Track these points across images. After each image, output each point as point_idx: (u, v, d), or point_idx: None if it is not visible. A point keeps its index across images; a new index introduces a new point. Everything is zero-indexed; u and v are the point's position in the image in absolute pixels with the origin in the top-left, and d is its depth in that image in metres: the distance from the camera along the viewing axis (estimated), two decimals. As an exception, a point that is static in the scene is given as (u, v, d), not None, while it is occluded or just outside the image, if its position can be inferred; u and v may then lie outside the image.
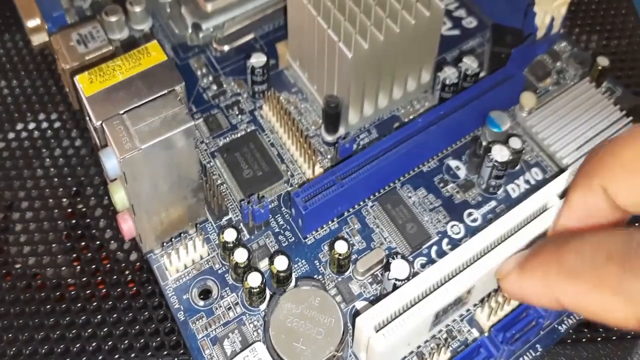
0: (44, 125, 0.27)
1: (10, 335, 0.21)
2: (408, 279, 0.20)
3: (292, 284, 0.22)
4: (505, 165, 0.23)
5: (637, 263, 0.14)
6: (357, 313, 0.21)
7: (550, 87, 0.27)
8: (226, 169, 0.25)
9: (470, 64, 0.26)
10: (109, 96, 0.20)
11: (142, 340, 0.22)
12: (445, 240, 0.23)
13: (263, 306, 0.22)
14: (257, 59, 0.26)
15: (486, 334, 0.20)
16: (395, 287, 0.20)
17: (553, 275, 0.16)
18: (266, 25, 0.29)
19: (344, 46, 0.23)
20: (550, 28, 0.27)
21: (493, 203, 0.24)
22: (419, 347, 0.21)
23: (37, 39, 0.27)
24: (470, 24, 0.30)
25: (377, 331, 0.19)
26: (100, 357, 0.22)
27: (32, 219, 0.24)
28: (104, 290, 0.22)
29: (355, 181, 0.23)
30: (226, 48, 0.29)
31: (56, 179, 0.26)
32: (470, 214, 0.24)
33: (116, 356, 0.22)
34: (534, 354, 0.20)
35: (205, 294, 0.22)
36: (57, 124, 0.27)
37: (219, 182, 0.25)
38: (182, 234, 0.23)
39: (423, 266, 0.22)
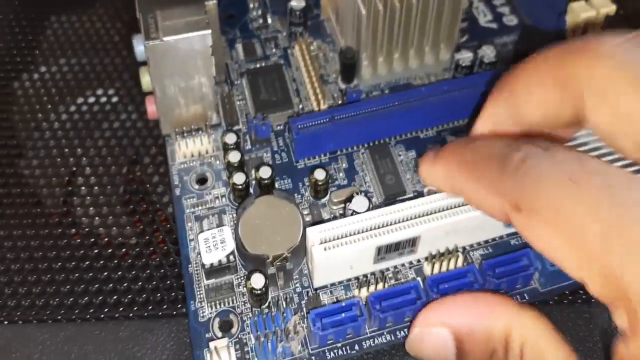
0: (103, 99, 0.30)
1: (81, 287, 0.24)
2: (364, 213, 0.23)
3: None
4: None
5: (510, 165, 0.17)
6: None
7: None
8: (248, 88, 0.28)
9: (488, 52, 0.28)
10: (154, -4, 0.24)
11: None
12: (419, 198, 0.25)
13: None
14: (297, 3, 0.29)
15: (421, 282, 0.23)
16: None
17: (454, 167, 0.19)
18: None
19: (361, 4, 0.25)
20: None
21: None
22: (364, 275, 0.23)
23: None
24: (511, 22, 0.31)
25: (321, 244, 0.21)
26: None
27: (95, 183, 0.27)
28: (165, 248, 0.25)
29: (348, 125, 0.25)
30: (279, -11, 0.32)
31: (116, 148, 0.28)
32: (448, 184, 0.26)
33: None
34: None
35: (201, 182, 0.26)
36: (114, 99, 0.30)
37: (240, 97, 0.28)
38: (195, 129, 0.26)
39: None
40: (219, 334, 0.22)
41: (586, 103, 0.17)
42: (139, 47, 0.24)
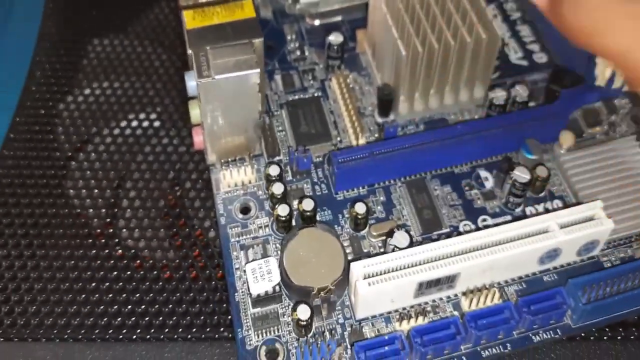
0: (145, 123, 0.31)
1: (128, 307, 0.25)
2: (406, 249, 0.24)
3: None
4: (523, 186, 0.26)
5: None
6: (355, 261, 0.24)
7: (598, 135, 0.30)
8: (288, 120, 0.30)
9: (521, 92, 0.29)
10: (203, 33, 0.26)
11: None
12: (455, 234, 0.26)
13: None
14: (335, 37, 0.30)
15: (459, 316, 0.24)
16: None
17: None
18: (354, 12, 0.33)
19: (401, 45, 0.27)
20: (611, 82, 0.30)
21: (508, 217, 0.27)
22: (404, 308, 0.24)
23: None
24: (541, 59, 0.32)
25: (365, 278, 0.23)
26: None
27: (139, 206, 0.28)
28: (207, 272, 0.26)
29: (387, 160, 0.27)
30: (316, 22, 0.33)
31: (159, 172, 0.29)
32: (484, 220, 0.27)
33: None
34: (502, 350, 0.23)
35: (245, 211, 0.27)
36: (156, 123, 0.31)
37: (279, 128, 0.29)
38: (239, 159, 0.28)
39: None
40: (266, 363, 0.23)
41: None
42: (191, 82, 0.26)
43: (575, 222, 0.24)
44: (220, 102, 0.26)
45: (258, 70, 0.25)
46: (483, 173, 0.28)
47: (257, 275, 0.24)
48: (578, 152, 0.28)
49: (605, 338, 0.24)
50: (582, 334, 0.24)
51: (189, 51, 0.26)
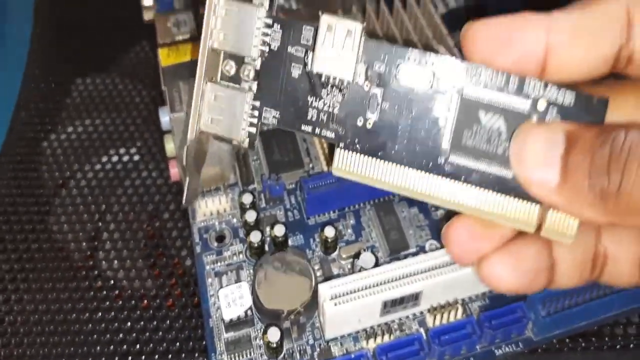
0: (126, 158, 0.32)
1: (107, 336, 0.26)
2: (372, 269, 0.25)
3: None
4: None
5: None
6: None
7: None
8: (262, 149, 0.31)
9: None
10: (178, 70, 0.27)
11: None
12: (421, 254, 0.27)
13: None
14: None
15: (424, 333, 0.25)
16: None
17: None
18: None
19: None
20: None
21: (474, 236, 0.28)
22: (371, 327, 0.25)
23: (147, 15, 0.34)
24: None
25: (332, 299, 0.23)
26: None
27: (119, 238, 0.29)
28: (183, 300, 0.27)
29: (355, 185, 0.27)
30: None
31: (138, 204, 0.30)
32: (448, 238, 0.28)
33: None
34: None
35: (220, 239, 0.28)
36: (136, 157, 0.32)
37: (254, 157, 0.31)
38: (214, 189, 0.29)
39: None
40: (238, 384, 0.24)
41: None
42: (165, 118, 0.27)
43: (533, 238, 0.25)
44: (193, 136, 0.27)
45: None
46: (449, 194, 0.29)
47: (230, 301, 0.25)
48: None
49: (566, 349, 0.25)
50: (544, 346, 0.25)
51: (163, 87, 0.27)
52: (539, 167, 0.16)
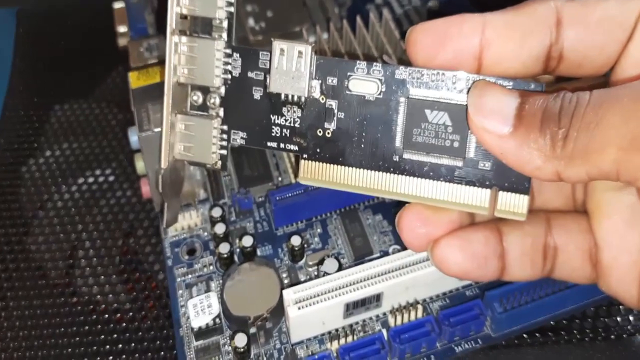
0: (101, 179, 0.33)
1: (81, 349, 0.27)
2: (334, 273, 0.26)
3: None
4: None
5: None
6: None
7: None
8: (232, 165, 0.32)
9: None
10: (147, 91, 0.28)
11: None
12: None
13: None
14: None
15: (385, 333, 0.25)
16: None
17: None
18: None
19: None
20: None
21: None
22: (336, 330, 0.26)
23: (122, 42, 0.36)
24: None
25: (295, 303, 0.24)
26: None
27: (94, 255, 0.30)
28: (155, 312, 0.28)
29: (320, 194, 0.29)
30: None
31: (113, 223, 0.31)
32: (411, 244, 0.29)
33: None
34: (427, 362, 0.25)
35: (191, 252, 0.29)
36: (111, 178, 0.33)
37: (225, 174, 0.32)
38: (185, 205, 0.30)
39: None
40: (208, 390, 0.24)
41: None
42: (133, 137, 0.28)
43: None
44: (162, 153, 0.28)
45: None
46: (412, 201, 0.30)
47: (199, 310, 0.26)
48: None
49: (524, 345, 0.26)
50: (503, 342, 0.25)
51: (133, 108, 0.28)
52: (494, 115, 0.18)
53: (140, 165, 0.29)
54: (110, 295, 0.29)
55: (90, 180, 0.34)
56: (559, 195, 0.20)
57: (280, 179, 0.31)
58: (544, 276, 0.20)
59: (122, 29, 0.36)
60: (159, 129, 0.27)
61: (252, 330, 0.25)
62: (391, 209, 0.30)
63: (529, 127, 0.17)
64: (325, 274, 0.26)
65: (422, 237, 0.19)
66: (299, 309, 0.24)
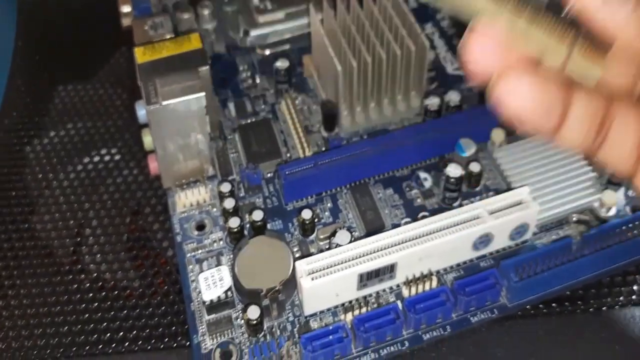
0: (107, 158, 0.33)
1: (91, 326, 0.27)
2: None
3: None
4: (456, 181, 0.28)
5: None
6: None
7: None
8: (240, 141, 0.32)
9: (453, 97, 0.31)
10: (153, 66, 0.28)
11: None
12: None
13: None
14: (282, 63, 0.32)
15: (400, 304, 0.25)
16: (335, 249, 0.26)
17: None
18: (300, 41, 0.36)
19: (337, 61, 0.29)
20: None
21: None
22: (350, 302, 0.25)
23: (125, 22, 0.35)
24: (474, 70, 0.35)
25: (308, 274, 0.24)
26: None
27: (101, 233, 0.30)
28: (165, 288, 0.28)
29: (331, 169, 0.28)
30: (267, 52, 0.36)
31: (120, 201, 0.31)
32: (424, 216, 0.28)
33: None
34: (442, 332, 0.24)
35: (200, 228, 0.29)
36: (117, 157, 0.33)
37: (233, 150, 0.31)
38: (193, 181, 0.29)
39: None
40: (220, 363, 0.24)
41: None
42: (141, 111, 0.28)
43: (503, 208, 0.25)
44: (170, 127, 0.28)
45: (203, 94, 0.27)
46: (422, 174, 0.30)
47: (210, 283, 0.25)
48: (509, 147, 0.30)
49: (541, 315, 0.25)
50: (519, 313, 0.25)
51: (139, 83, 0.28)
52: None
53: (147, 140, 0.29)
54: (119, 273, 0.28)
55: (96, 159, 0.33)
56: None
57: (288, 155, 0.31)
58: (590, 149, 0.18)
59: (125, 8, 0.35)
60: (166, 102, 0.27)
61: (265, 303, 0.25)
62: (401, 183, 0.30)
63: None
64: (338, 245, 0.26)
65: (492, 62, 0.17)
66: (313, 279, 0.24)
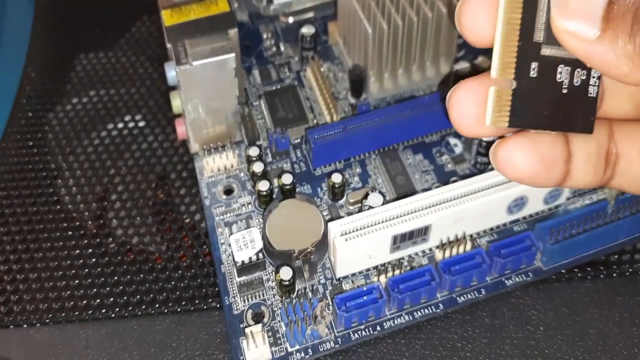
0: (131, 124, 0.33)
1: (120, 288, 0.26)
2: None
3: (294, 198, 0.27)
4: (488, 145, 0.27)
5: None
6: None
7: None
8: (266, 107, 0.31)
9: (481, 62, 0.30)
10: (181, 28, 0.27)
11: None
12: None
13: (268, 209, 0.27)
14: (307, 30, 0.32)
15: (434, 267, 0.25)
16: (368, 212, 0.25)
17: None
18: (325, 9, 0.35)
19: (367, 24, 0.28)
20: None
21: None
22: (382, 265, 0.25)
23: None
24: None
25: (342, 235, 0.24)
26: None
27: (128, 198, 0.30)
28: (194, 251, 0.27)
29: (360, 133, 0.28)
30: (290, 20, 0.35)
31: (145, 167, 0.31)
32: (454, 181, 0.28)
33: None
34: (477, 295, 0.24)
35: (228, 192, 0.28)
36: (141, 123, 0.33)
37: (259, 117, 0.31)
38: (220, 146, 0.29)
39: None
40: (252, 324, 0.24)
41: None
42: (171, 72, 0.27)
43: (538, 171, 0.25)
44: (199, 89, 0.27)
45: (233, 54, 0.27)
46: (452, 140, 0.30)
47: (241, 245, 0.25)
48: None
49: (575, 279, 0.25)
50: (553, 277, 0.25)
51: (168, 45, 0.28)
52: (580, 16, 0.16)
53: (176, 103, 0.28)
54: (147, 237, 0.28)
55: (120, 126, 0.33)
56: (629, 101, 0.19)
57: (315, 121, 0.31)
58: (603, 184, 0.19)
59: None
60: (197, 62, 0.26)
61: (297, 264, 0.25)
62: (431, 149, 0.29)
63: (617, 31, 0.16)
64: (370, 207, 0.25)
65: (471, 117, 0.18)
66: (346, 240, 0.23)
